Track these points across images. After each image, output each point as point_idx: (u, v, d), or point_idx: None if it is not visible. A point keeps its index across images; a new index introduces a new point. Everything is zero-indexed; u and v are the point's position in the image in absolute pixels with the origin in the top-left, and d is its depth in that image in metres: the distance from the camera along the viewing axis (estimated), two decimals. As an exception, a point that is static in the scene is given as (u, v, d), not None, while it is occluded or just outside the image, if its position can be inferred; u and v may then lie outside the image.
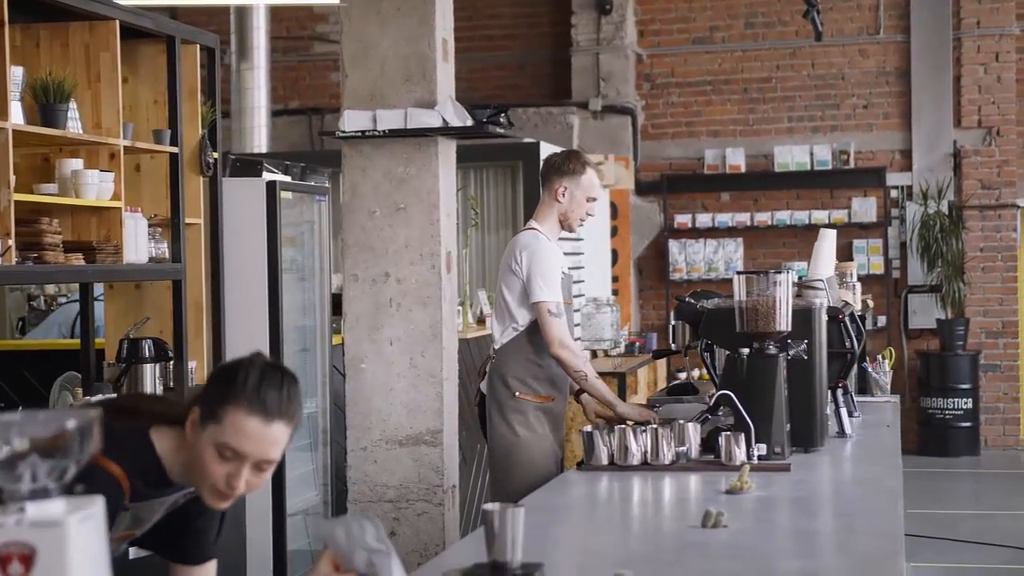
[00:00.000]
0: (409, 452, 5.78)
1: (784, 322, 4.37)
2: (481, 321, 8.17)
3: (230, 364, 2.67)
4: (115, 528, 2.68)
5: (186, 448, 2.66)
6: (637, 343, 11.32)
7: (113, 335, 5.71)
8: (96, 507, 1.78)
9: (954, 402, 12.29)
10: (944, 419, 12.31)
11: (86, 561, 1.75)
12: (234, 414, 2.57)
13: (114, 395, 5.02)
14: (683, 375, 12.29)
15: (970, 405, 12.31)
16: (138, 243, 5.29)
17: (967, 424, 12.33)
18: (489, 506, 2.74)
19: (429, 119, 6.04)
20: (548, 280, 5.15)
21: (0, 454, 1.75)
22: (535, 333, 5.20)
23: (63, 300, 8.53)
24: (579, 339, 10.10)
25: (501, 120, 6.40)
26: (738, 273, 4.45)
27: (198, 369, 5.90)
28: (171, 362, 5.62)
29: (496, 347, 5.38)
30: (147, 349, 5.44)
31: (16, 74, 4.71)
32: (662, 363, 11.46)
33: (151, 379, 5.44)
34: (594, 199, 5.37)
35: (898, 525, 3.23)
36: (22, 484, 1.74)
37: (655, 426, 4.29)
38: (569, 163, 5.36)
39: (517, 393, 5.23)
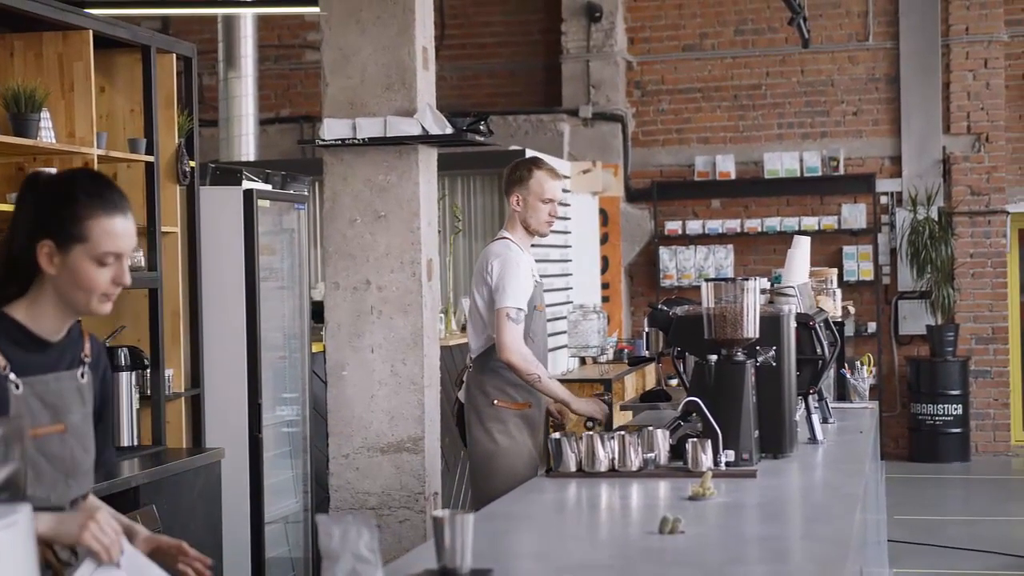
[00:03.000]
0: (391, 459, 5.80)
1: (752, 329, 4.37)
2: (464, 328, 8.17)
3: (56, 185, 2.73)
4: (22, 409, 2.63)
5: (44, 293, 2.70)
6: (627, 350, 11.33)
7: (90, 343, 5.72)
8: (22, 515, 1.80)
9: (944, 408, 12.30)
10: (934, 425, 12.31)
11: (12, 566, 1.76)
12: (97, 225, 2.67)
13: None
14: (674, 382, 12.29)
15: (960, 411, 12.32)
16: (113, 252, 5.30)
17: (957, 430, 12.34)
18: (438, 513, 2.76)
19: (408, 127, 6.06)
20: (514, 288, 5.21)
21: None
22: None
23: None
24: (565, 346, 10.13)
25: (481, 128, 6.42)
26: (706, 280, 4.46)
27: (175, 377, 5.91)
28: (147, 371, 5.63)
29: (473, 356, 5.42)
30: (123, 357, 5.45)
31: (-13, 84, 4.74)
32: (651, 370, 11.46)
33: (127, 388, 5.45)
34: (550, 200, 5.39)
35: (850, 531, 3.24)
36: (-55, 492, 1.76)
37: (622, 433, 4.30)
38: (516, 171, 5.46)
39: (496, 401, 5.28)
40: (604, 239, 12.42)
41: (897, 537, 8.42)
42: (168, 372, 5.79)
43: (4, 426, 1.79)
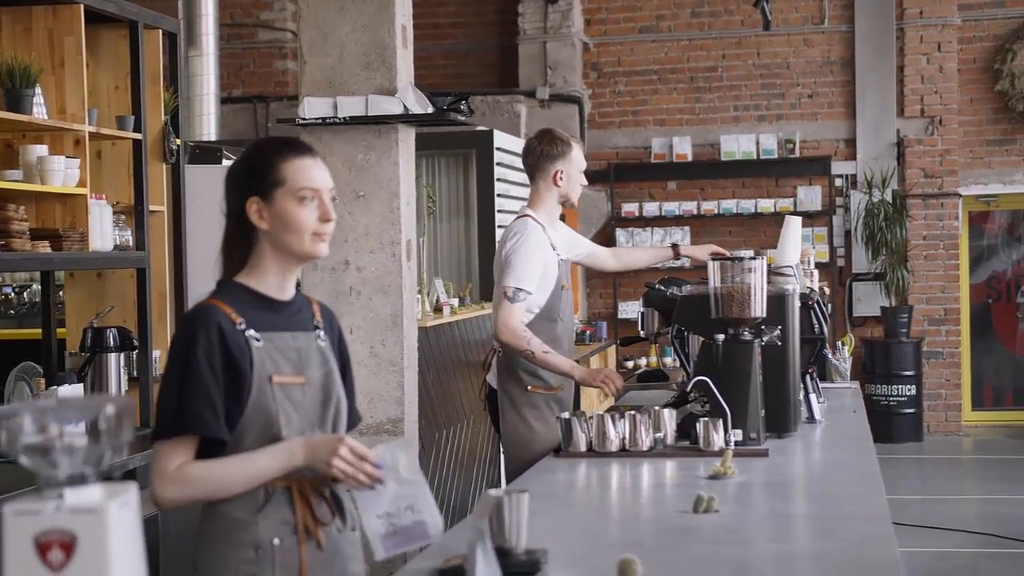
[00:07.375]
0: (369, 441, 5.72)
1: (759, 308, 4.38)
2: (438, 309, 8.14)
3: (248, 150, 2.96)
4: (265, 359, 2.82)
5: (262, 253, 2.88)
6: (588, 332, 11.37)
7: (75, 324, 5.63)
8: (131, 493, 1.76)
9: (898, 389, 12.43)
10: (888, 405, 12.44)
11: (125, 546, 1.73)
12: (289, 166, 2.86)
13: None
14: (642, 361, 12.35)
15: (913, 392, 12.46)
16: (103, 230, 5.22)
17: (910, 410, 12.48)
18: (494, 492, 2.74)
19: (390, 106, 6.01)
20: (519, 266, 5.08)
21: (36, 440, 1.72)
22: (542, 324, 5.13)
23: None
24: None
25: (462, 107, 6.39)
26: (713, 259, 4.45)
27: (162, 358, 5.83)
28: (135, 351, 5.55)
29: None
30: (111, 338, 5.37)
31: (-21, 59, 4.64)
32: (612, 351, 11.50)
33: (115, 368, 5.37)
34: (583, 170, 5.46)
35: (884, 508, 3.25)
36: (59, 470, 1.72)
37: (633, 413, 4.29)
38: (557, 146, 5.35)
39: (529, 387, 5.15)
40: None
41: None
42: (155, 353, 5.70)
43: (114, 404, 1.75)
